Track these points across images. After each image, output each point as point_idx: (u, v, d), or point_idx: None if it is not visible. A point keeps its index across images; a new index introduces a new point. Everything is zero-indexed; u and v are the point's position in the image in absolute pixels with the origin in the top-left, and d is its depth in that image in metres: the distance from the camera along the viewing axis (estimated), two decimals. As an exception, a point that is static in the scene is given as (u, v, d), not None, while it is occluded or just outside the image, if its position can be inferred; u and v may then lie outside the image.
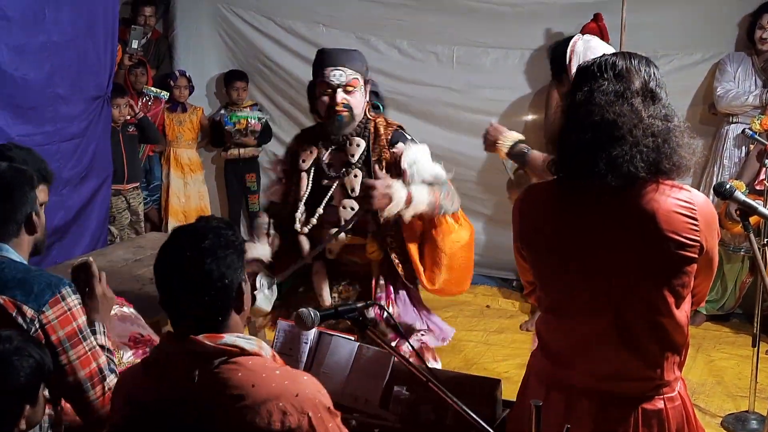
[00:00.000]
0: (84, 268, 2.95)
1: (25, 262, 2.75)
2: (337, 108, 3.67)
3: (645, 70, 2.40)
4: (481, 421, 2.25)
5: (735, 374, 5.43)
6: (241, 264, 2.27)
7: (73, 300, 2.68)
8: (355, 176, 3.72)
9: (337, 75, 3.68)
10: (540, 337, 2.64)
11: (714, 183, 5.90)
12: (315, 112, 3.86)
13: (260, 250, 3.79)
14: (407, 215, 3.54)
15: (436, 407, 2.87)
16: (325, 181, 3.80)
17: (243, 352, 2.21)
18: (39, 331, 2.59)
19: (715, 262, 2.47)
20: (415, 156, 3.64)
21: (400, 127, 3.84)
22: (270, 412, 2.13)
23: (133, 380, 2.35)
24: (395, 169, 3.65)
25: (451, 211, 3.68)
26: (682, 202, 2.33)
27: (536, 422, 2.07)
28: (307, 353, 3.12)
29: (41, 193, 2.93)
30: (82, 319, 2.69)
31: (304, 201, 3.81)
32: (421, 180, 3.59)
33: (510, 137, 3.89)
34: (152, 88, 7.22)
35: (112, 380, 2.71)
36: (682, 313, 2.41)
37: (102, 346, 2.80)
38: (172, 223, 7.64)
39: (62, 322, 2.62)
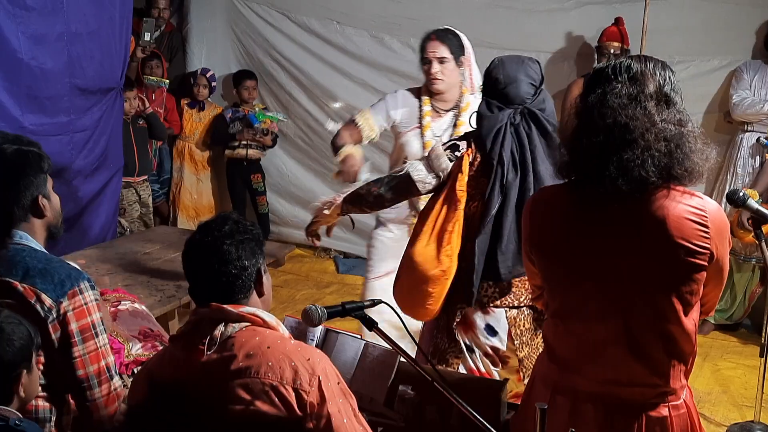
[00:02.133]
0: None
1: (44, 250, 2.77)
2: None
3: (660, 74, 2.40)
4: (485, 423, 2.27)
5: (741, 384, 5.42)
6: (259, 252, 2.45)
7: (91, 295, 2.71)
8: None
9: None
10: (546, 341, 2.64)
11: (727, 191, 5.95)
12: None
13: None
14: None
15: (441, 408, 2.89)
16: None
17: (263, 323, 2.38)
18: (56, 320, 2.62)
19: (725, 271, 2.46)
20: None
21: None
22: (282, 369, 2.27)
23: (159, 359, 2.51)
24: None
25: None
26: (694, 208, 2.33)
27: (541, 426, 2.08)
28: (313, 350, 3.14)
29: None
30: (97, 315, 2.71)
31: None
32: None
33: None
34: (152, 78, 7.22)
35: (117, 381, 2.75)
36: (690, 321, 2.41)
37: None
38: (182, 219, 7.68)
39: (78, 315, 2.66)
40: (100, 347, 2.71)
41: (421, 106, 4.43)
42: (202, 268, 2.41)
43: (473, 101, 4.26)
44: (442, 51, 4.34)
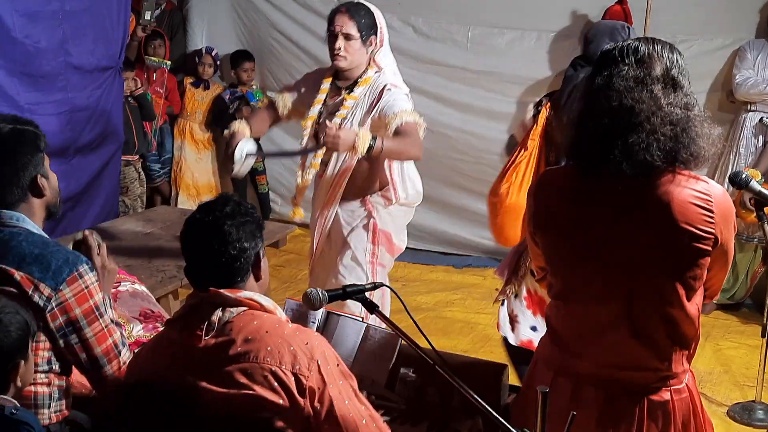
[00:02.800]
0: (83, 240, 2.92)
1: (42, 233, 2.73)
2: None
3: (668, 57, 2.37)
4: (486, 405, 2.27)
5: (743, 364, 5.43)
6: (259, 235, 2.45)
7: (91, 278, 2.67)
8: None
9: None
10: (549, 323, 2.64)
11: (729, 172, 5.93)
12: None
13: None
14: None
15: (442, 390, 2.90)
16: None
17: (261, 307, 2.39)
18: (55, 309, 2.59)
19: (730, 256, 2.44)
20: None
21: None
22: (281, 353, 2.27)
23: (156, 344, 2.52)
24: None
25: None
26: (699, 193, 2.31)
27: (542, 408, 2.07)
28: (314, 332, 3.14)
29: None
30: (98, 296, 2.69)
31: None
32: None
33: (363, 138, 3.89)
34: (154, 58, 7.21)
35: (125, 353, 2.74)
36: (694, 305, 2.40)
37: (114, 321, 2.81)
38: (182, 198, 7.67)
39: (79, 300, 2.63)
40: (105, 327, 2.70)
41: (322, 81, 4.34)
42: (200, 247, 2.41)
43: (374, 77, 4.22)
44: (350, 27, 4.14)
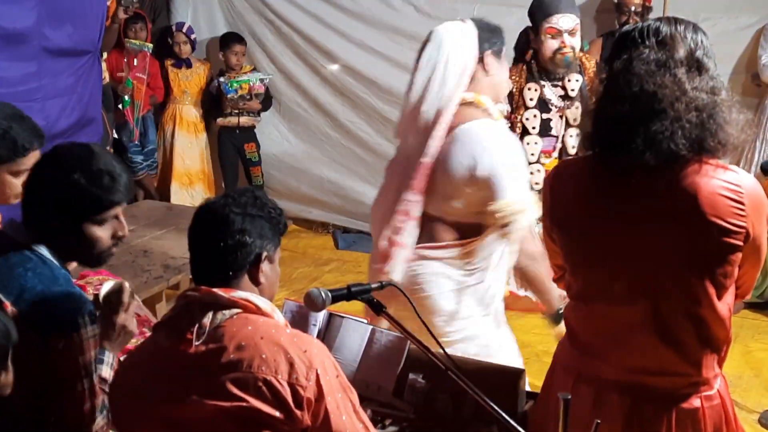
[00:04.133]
0: (117, 291, 2.86)
1: (54, 263, 2.66)
2: (565, 50, 4.60)
3: (692, 37, 2.37)
4: (502, 413, 2.27)
5: (774, 366, 5.43)
6: (269, 237, 2.42)
7: (88, 332, 2.61)
8: (577, 108, 4.56)
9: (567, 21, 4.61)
10: (568, 325, 2.64)
11: (756, 160, 5.92)
12: (524, 53, 4.85)
13: None
14: None
15: (454, 397, 2.89)
16: (546, 115, 4.67)
17: (256, 309, 2.35)
18: (45, 359, 2.53)
19: (763, 251, 2.42)
20: None
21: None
22: (277, 362, 2.23)
23: (142, 349, 2.50)
24: None
25: None
26: (728, 183, 2.30)
27: (564, 417, 2.07)
28: (315, 336, 3.14)
29: (32, 159, 2.93)
30: (91, 354, 2.63)
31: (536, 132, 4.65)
32: None
33: None
34: (134, 41, 7.21)
35: (99, 421, 2.68)
36: (724, 305, 2.39)
37: (103, 379, 2.75)
38: (175, 187, 7.67)
39: (69, 356, 2.56)
40: (86, 389, 2.63)
41: None
42: (200, 232, 2.40)
43: None
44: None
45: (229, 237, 2.34)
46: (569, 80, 4.66)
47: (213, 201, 2.43)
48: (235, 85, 7.42)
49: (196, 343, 2.30)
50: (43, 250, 2.65)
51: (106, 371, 2.77)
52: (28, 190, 2.71)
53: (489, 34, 3.57)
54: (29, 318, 2.52)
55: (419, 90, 3.49)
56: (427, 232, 3.53)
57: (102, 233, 2.69)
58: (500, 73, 3.62)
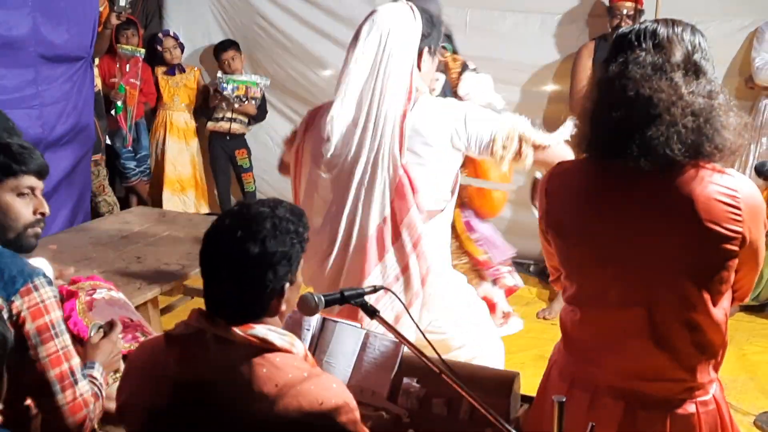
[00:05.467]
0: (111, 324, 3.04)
1: None
2: None
3: (689, 40, 2.35)
4: (497, 417, 2.26)
5: (770, 369, 5.43)
6: (291, 261, 2.30)
7: (47, 292, 2.63)
8: None
9: None
10: (564, 329, 2.63)
11: (751, 162, 5.92)
12: None
13: None
14: None
15: (449, 401, 2.89)
16: None
17: (272, 347, 2.26)
18: (7, 322, 2.49)
19: (760, 255, 2.40)
20: (471, 85, 4.16)
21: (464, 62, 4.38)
22: (288, 417, 2.17)
23: (153, 353, 2.41)
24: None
25: None
26: (724, 188, 2.28)
27: (558, 420, 2.06)
28: (309, 341, 3.13)
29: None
30: (56, 314, 2.64)
31: None
32: None
33: None
34: (127, 47, 7.20)
35: (83, 386, 2.68)
36: (720, 310, 2.38)
37: (93, 378, 2.76)
38: (167, 194, 7.65)
39: (34, 314, 2.59)
40: (61, 349, 2.64)
41: None
42: (215, 266, 2.29)
43: None
44: None
45: (247, 284, 2.26)
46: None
47: (226, 228, 2.29)
48: (232, 83, 7.40)
49: (206, 381, 2.24)
50: None
51: (97, 373, 2.80)
52: None
53: (429, 29, 3.49)
54: None
55: (359, 87, 3.43)
56: None
57: (20, 204, 2.74)
58: (431, 68, 3.59)
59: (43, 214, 2.81)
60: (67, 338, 2.68)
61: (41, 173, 2.80)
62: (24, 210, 2.76)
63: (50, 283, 2.67)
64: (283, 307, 2.34)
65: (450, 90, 4.40)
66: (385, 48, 3.36)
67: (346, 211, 3.43)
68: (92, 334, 3.03)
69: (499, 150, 3.34)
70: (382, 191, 3.36)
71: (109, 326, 3.06)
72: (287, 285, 2.32)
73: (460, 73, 4.53)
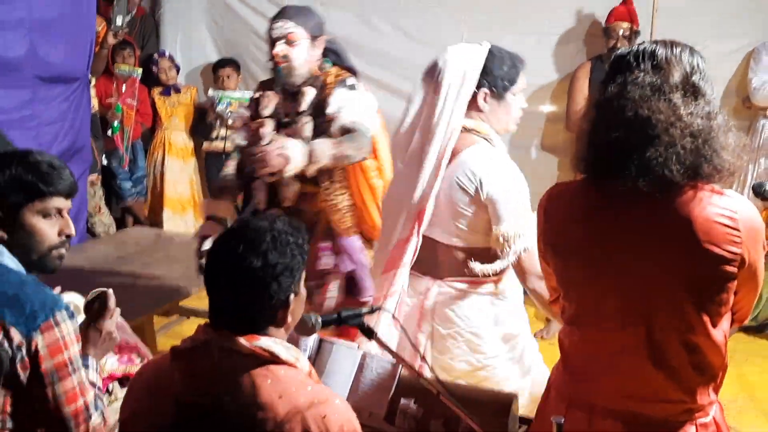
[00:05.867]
0: (100, 298, 2.90)
1: (20, 269, 2.66)
2: (277, 60, 4.16)
3: (688, 61, 2.35)
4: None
5: (769, 390, 5.41)
6: (294, 273, 2.31)
7: (68, 326, 2.59)
8: (305, 124, 4.13)
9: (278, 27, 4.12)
10: (562, 349, 2.63)
11: (749, 181, 5.92)
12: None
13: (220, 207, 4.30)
14: (310, 171, 3.94)
15: (447, 422, 2.87)
16: (280, 129, 4.22)
17: (277, 359, 2.27)
18: (26, 358, 2.51)
19: (759, 276, 2.40)
20: (342, 102, 4.02)
21: (354, 75, 4.22)
22: (292, 429, 2.17)
23: (157, 370, 2.41)
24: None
25: (357, 158, 4.02)
26: (723, 209, 2.27)
27: (558, 441, 2.07)
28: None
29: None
30: (74, 349, 2.60)
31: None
32: (340, 125, 3.96)
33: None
34: (123, 67, 7.21)
35: (96, 418, 2.65)
36: (720, 332, 2.37)
37: (92, 383, 2.74)
38: (168, 214, 7.64)
39: (52, 352, 2.54)
40: (77, 385, 2.61)
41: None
42: (220, 281, 2.31)
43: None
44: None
45: (253, 295, 2.27)
46: (302, 93, 4.20)
47: (228, 244, 2.31)
48: (226, 99, 7.39)
49: (211, 392, 2.24)
50: (6, 260, 2.64)
51: (93, 375, 2.77)
52: None
53: (492, 69, 3.60)
54: (9, 321, 2.51)
55: (414, 115, 3.56)
56: (448, 263, 3.58)
57: (45, 226, 2.70)
58: (497, 111, 3.62)
59: (69, 235, 2.76)
60: (82, 373, 2.64)
61: (70, 194, 2.76)
62: (50, 231, 2.71)
63: (72, 316, 2.62)
64: (289, 319, 2.34)
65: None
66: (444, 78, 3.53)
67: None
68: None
69: (496, 240, 3.41)
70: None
71: (97, 303, 2.94)
72: (292, 296, 2.32)
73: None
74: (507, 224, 3.37)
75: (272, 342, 2.28)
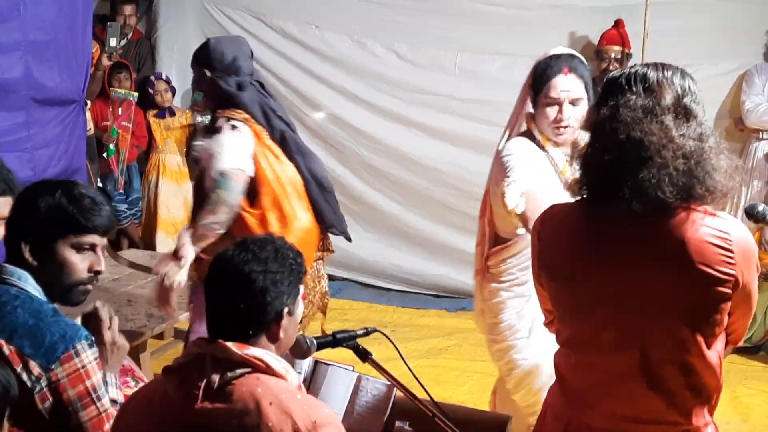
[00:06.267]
0: (94, 314, 2.89)
1: (42, 298, 2.65)
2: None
3: (679, 83, 2.36)
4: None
5: (763, 412, 5.41)
6: (290, 289, 2.35)
7: (89, 356, 2.58)
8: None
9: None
10: (558, 372, 2.63)
11: (742, 204, 5.94)
12: None
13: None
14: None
15: (442, 445, 2.87)
16: None
17: (269, 369, 2.28)
18: (46, 389, 2.50)
19: (753, 298, 2.41)
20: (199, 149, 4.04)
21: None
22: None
23: (150, 389, 2.44)
24: None
25: (221, 222, 3.90)
26: (716, 231, 2.29)
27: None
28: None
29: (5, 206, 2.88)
30: (97, 377, 2.60)
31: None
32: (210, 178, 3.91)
33: None
34: (120, 90, 7.22)
35: None
36: (714, 353, 2.38)
37: (114, 401, 2.72)
38: (161, 237, 7.64)
39: (73, 381, 2.54)
40: (102, 412, 2.60)
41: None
42: (219, 288, 2.34)
43: None
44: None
45: (249, 298, 2.30)
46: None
47: (232, 254, 2.35)
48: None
49: (203, 402, 2.24)
50: (30, 288, 2.63)
51: (113, 392, 2.76)
52: (14, 211, 2.72)
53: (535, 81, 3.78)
54: (28, 353, 2.50)
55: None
56: None
57: (77, 260, 2.69)
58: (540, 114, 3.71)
59: (98, 272, 2.76)
60: (106, 400, 2.63)
61: (107, 231, 2.76)
62: (80, 266, 2.70)
63: (92, 345, 2.62)
64: (281, 335, 2.35)
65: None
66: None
67: None
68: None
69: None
70: None
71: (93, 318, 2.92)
72: (286, 310, 2.34)
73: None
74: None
75: (264, 352, 2.30)
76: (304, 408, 2.23)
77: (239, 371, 2.26)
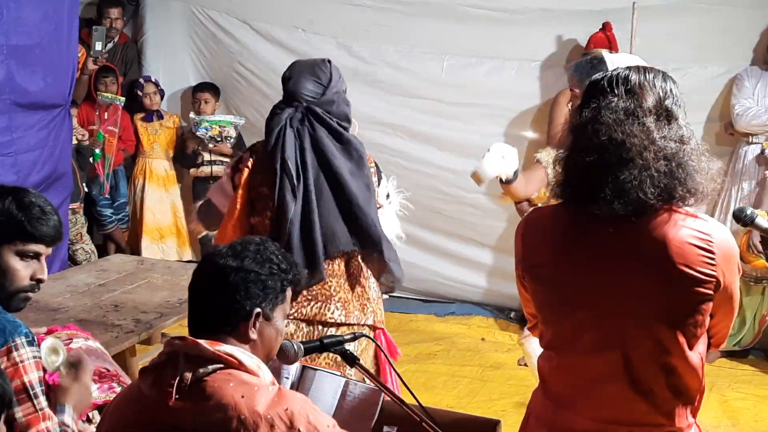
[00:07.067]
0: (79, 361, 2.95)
1: None
2: None
3: (661, 86, 2.38)
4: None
5: (752, 416, 5.42)
6: (266, 293, 2.37)
7: (27, 352, 2.60)
8: None
9: None
10: (541, 375, 2.63)
11: (732, 207, 5.95)
12: None
13: None
14: None
15: (429, 449, 2.87)
16: None
17: (240, 365, 2.29)
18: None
19: (735, 300, 2.42)
20: None
21: None
22: (256, 424, 2.19)
23: (128, 391, 2.46)
24: None
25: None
26: (697, 232, 2.30)
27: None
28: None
29: None
30: (34, 375, 2.61)
31: None
32: None
33: None
34: (107, 94, 7.22)
35: None
36: (696, 354, 2.39)
37: (63, 422, 2.72)
38: (146, 242, 7.64)
39: (10, 375, 2.53)
40: (39, 410, 2.62)
41: None
42: (196, 283, 2.39)
43: None
44: None
45: (219, 292, 2.33)
46: None
47: (217, 251, 2.40)
48: (205, 123, 7.40)
49: (176, 397, 2.26)
50: None
51: (68, 419, 2.75)
52: None
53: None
54: None
55: None
56: None
57: (20, 267, 2.72)
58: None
59: (40, 280, 2.78)
60: (43, 400, 2.64)
61: (53, 242, 2.79)
62: (23, 273, 2.73)
63: (32, 342, 2.63)
64: (253, 336, 2.37)
65: None
66: None
67: None
68: (62, 371, 2.95)
69: None
70: None
71: (77, 364, 2.97)
72: (257, 311, 2.35)
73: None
74: None
75: (235, 349, 2.32)
76: (275, 399, 2.25)
77: (211, 367, 2.27)
